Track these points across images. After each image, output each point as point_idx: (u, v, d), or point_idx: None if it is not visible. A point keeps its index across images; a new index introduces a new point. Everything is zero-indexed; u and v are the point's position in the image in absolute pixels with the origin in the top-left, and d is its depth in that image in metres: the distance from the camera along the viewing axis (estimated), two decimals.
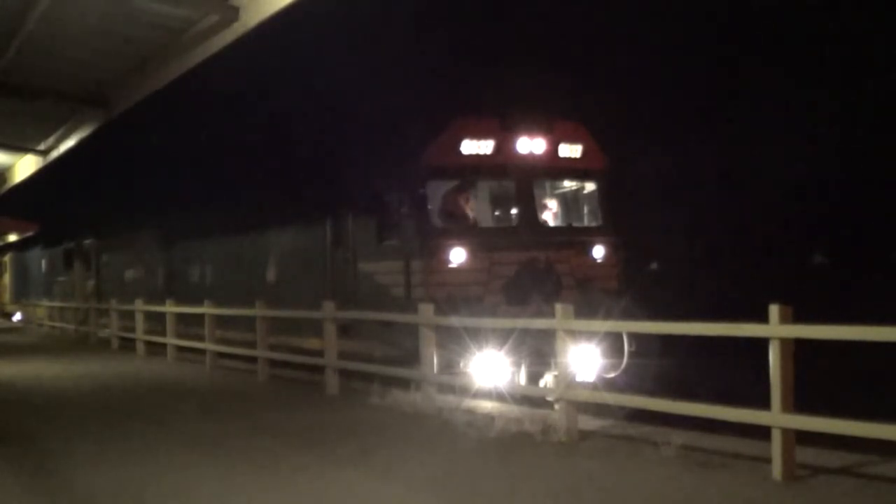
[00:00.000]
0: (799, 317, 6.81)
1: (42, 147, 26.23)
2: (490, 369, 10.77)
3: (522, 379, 11.26)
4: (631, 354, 11.28)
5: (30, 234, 37.16)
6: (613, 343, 11.29)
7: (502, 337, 10.59)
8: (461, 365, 11.16)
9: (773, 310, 6.78)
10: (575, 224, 13.55)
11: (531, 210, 12.80)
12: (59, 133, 24.29)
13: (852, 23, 32.99)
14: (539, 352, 10.64)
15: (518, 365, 11.22)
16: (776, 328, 6.77)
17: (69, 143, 24.13)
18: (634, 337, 11.21)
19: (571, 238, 12.98)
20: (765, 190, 32.45)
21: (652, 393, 8.64)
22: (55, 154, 25.75)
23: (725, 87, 34.47)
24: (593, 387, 10.91)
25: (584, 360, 11.29)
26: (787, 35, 34.60)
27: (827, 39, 33.36)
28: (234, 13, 13.90)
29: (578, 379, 11.21)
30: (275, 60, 35.37)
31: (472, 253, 12.07)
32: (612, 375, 11.35)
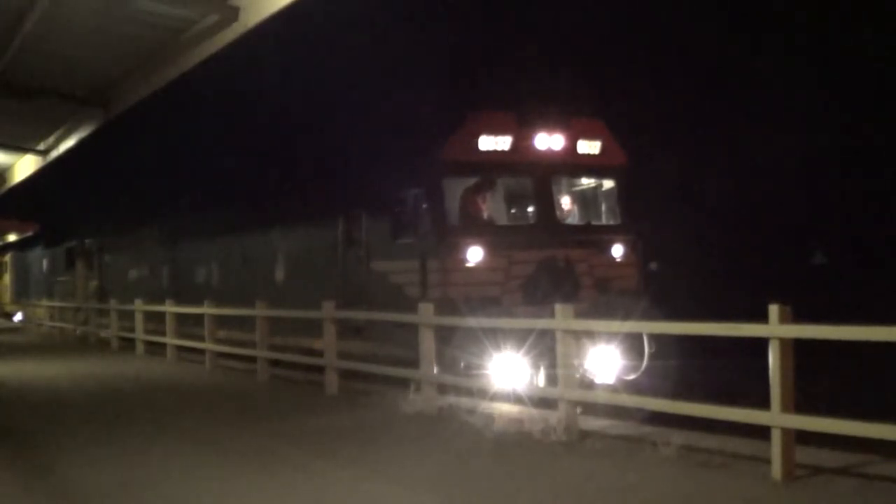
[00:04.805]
0: (799, 317, 6.81)
1: (42, 147, 26.24)
2: (505, 370, 10.71)
3: (541, 380, 11.18)
4: (651, 356, 11.19)
5: (29, 234, 37.17)
6: (633, 344, 11.20)
7: (519, 338, 10.46)
8: (461, 365, 11.13)
9: (773, 310, 6.77)
10: (594, 222, 13.35)
11: (549, 208, 12.63)
12: (59, 133, 24.30)
13: (853, 23, 32.98)
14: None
15: (536, 366, 11.13)
16: (776, 328, 6.76)
17: (69, 143, 24.13)
18: (653, 338, 11.12)
19: (590, 237, 12.79)
20: (764, 189, 32.45)
21: (666, 394, 8.62)
22: (55, 154, 25.75)
23: (725, 87, 34.47)
24: (613, 388, 10.88)
25: (603, 361, 11.25)
26: (787, 34, 34.60)
27: (827, 38, 33.36)
28: (234, 13, 13.89)
29: (598, 381, 11.20)
30: (275, 60, 35.39)
31: (490, 252, 11.87)
32: (631, 377, 11.27)
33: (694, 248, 28.95)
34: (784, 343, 6.77)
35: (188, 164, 39.29)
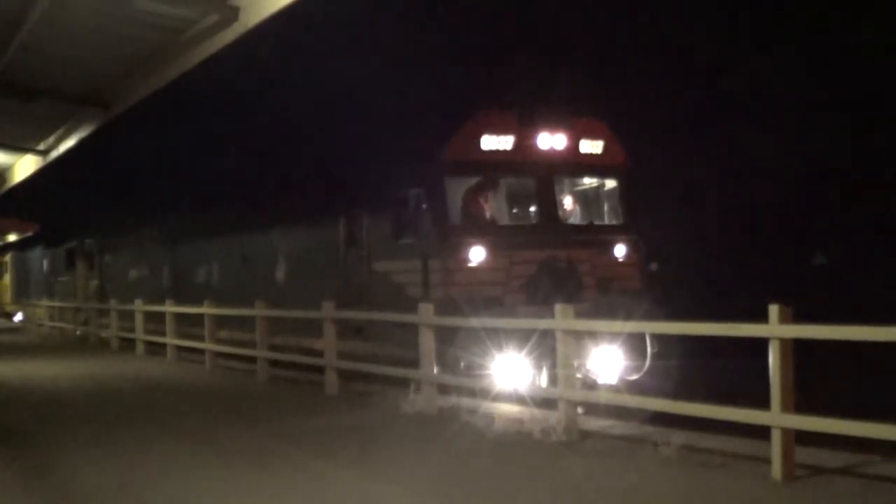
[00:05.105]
0: (799, 317, 6.81)
1: (42, 147, 26.22)
2: (507, 371, 10.68)
3: (543, 381, 11.15)
4: (653, 356, 11.17)
5: (29, 234, 37.18)
6: (636, 345, 11.17)
7: (521, 338, 10.42)
8: (462, 365, 11.12)
9: (773, 310, 6.78)
10: (596, 222, 13.35)
11: (551, 207, 12.61)
12: (59, 133, 24.28)
13: (853, 23, 32.98)
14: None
15: (538, 367, 11.10)
16: (776, 328, 6.77)
17: (69, 143, 24.11)
18: (656, 338, 11.10)
19: (592, 236, 12.78)
20: (765, 189, 32.45)
21: (668, 395, 8.61)
22: (55, 154, 25.74)
23: (725, 87, 34.46)
24: (615, 389, 10.86)
25: (606, 362, 11.22)
26: (787, 34, 34.59)
27: (827, 38, 33.35)
28: (234, 13, 13.87)
29: (600, 381, 11.18)
30: (275, 60, 35.38)
31: (492, 252, 11.84)
32: (634, 377, 11.24)
33: (694, 248, 28.95)
34: (784, 343, 6.77)
35: (188, 164, 39.30)
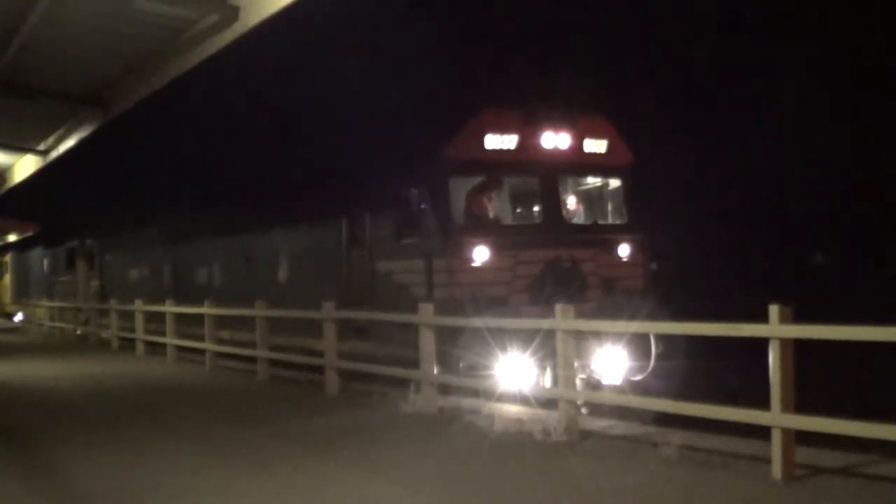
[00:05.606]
0: (799, 317, 6.81)
1: (42, 147, 26.20)
2: (509, 371, 10.66)
3: (548, 381, 11.15)
4: (658, 356, 11.15)
5: (29, 234, 37.19)
6: (640, 345, 11.16)
7: (524, 338, 10.39)
8: (461, 365, 11.10)
9: (773, 310, 6.78)
10: (600, 221, 13.33)
11: (556, 207, 12.58)
12: (59, 133, 24.26)
13: (854, 23, 32.98)
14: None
15: (542, 367, 11.09)
16: (776, 328, 6.77)
17: (69, 143, 24.09)
18: (661, 339, 11.08)
19: (597, 236, 12.75)
20: (765, 189, 32.45)
21: (671, 395, 8.60)
22: (55, 154, 25.72)
23: (724, 87, 34.46)
24: (620, 389, 10.85)
25: (610, 362, 11.21)
26: (788, 33, 34.59)
27: (827, 38, 33.36)
28: (234, 13, 13.86)
29: (605, 381, 11.16)
30: (275, 60, 35.40)
31: (496, 251, 11.80)
32: (639, 378, 11.23)
33: (695, 247, 28.95)
34: (784, 343, 6.77)
35: (189, 163, 39.32)
